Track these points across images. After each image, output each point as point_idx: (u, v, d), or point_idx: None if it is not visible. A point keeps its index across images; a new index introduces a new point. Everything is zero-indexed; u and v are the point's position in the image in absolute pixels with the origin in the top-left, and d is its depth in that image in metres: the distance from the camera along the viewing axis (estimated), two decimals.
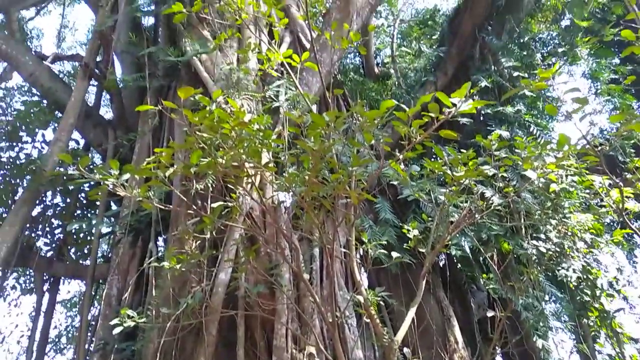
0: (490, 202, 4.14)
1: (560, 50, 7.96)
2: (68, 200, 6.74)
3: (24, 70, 7.23)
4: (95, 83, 7.98)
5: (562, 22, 9.14)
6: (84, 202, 6.92)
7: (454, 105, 3.12)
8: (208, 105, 3.66)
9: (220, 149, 3.43)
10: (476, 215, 4.06)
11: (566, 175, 4.14)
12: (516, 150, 3.83)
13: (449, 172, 3.64)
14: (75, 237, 6.66)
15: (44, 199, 6.60)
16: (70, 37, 17.08)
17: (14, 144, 6.46)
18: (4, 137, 6.37)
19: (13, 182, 6.19)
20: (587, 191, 4.60)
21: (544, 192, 4.38)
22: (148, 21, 8.50)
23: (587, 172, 4.04)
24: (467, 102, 3.11)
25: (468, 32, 8.18)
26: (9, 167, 6.29)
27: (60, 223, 6.68)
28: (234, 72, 5.70)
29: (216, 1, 5.69)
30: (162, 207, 3.36)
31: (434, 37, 10.76)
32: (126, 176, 3.24)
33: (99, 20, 6.42)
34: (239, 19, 4.78)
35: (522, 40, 7.81)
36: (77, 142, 7.33)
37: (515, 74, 7.10)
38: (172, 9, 4.20)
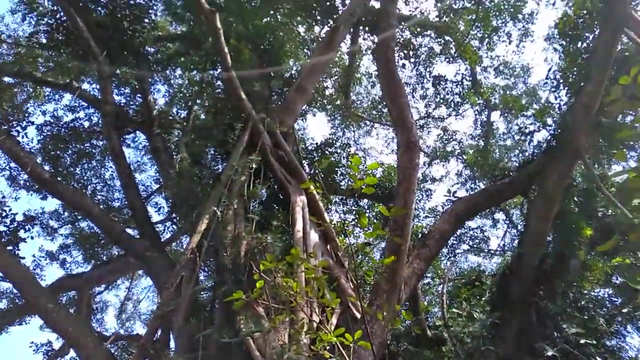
0: None
1: (623, 310, 7.60)
2: None
3: (83, 350, 7.47)
4: None
5: (615, 280, 9.02)
6: None
7: None
8: None
9: None
10: None
11: None
12: None
13: None
14: None
15: None
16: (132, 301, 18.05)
17: None
18: None
19: None
20: None
21: None
22: (205, 295, 9.06)
23: None
24: None
25: (518, 295, 8.12)
26: None
27: None
28: (285, 351, 5.64)
29: (271, 282, 6.10)
30: None
31: (483, 299, 10.68)
32: None
33: (163, 301, 6.89)
34: (294, 301, 5.02)
35: (579, 304, 7.60)
36: None
37: (582, 341, 6.65)
38: (233, 296, 4.52)
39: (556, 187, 7.47)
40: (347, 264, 8.48)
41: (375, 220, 12.42)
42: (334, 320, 6.96)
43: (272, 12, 12.92)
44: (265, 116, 10.11)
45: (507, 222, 13.16)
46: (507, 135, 14.32)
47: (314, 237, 8.31)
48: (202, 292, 8.15)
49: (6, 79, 12.96)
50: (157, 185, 15.15)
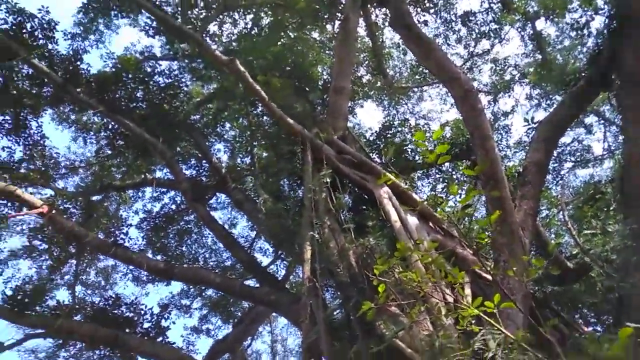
0: None
1: None
2: None
3: None
4: None
5: None
6: None
7: None
8: None
9: None
10: None
11: None
12: None
13: None
14: None
15: None
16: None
17: None
18: None
19: None
20: None
21: None
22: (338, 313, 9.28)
23: None
24: None
25: None
26: None
27: None
28: (434, 339, 5.63)
29: (392, 281, 6.12)
30: None
31: (611, 209, 9.83)
32: None
33: (304, 334, 7.19)
34: (421, 291, 5.01)
35: None
36: None
37: None
38: (363, 308, 4.63)
39: (638, 66, 6.76)
40: (456, 233, 8.29)
41: (465, 179, 12.04)
42: (467, 292, 6.82)
43: (282, 33, 13.14)
44: (318, 129, 10.26)
45: (602, 122, 12.08)
46: (562, 37, 13.21)
47: (412, 221, 8.23)
48: (334, 313, 8.37)
49: (93, 198, 14.37)
50: (254, 232, 15.88)
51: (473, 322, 5.37)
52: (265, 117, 12.66)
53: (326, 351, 7.45)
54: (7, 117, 12.09)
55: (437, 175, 12.47)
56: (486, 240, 7.34)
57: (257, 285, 11.25)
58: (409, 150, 11.32)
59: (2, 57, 11.54)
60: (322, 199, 9.05)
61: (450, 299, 5.90)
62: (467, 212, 9.18)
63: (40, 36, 11.65)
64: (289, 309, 9.69)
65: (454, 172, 12.28)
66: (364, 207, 9.65)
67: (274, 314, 15.24)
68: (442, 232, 8.47)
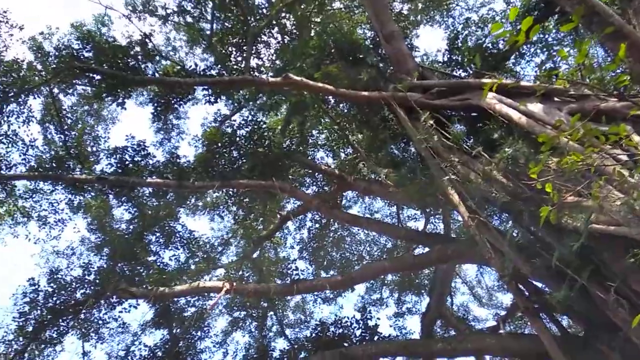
0: None
1: None
2: None
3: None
4: None
5: None
6: None
7: None
8: None
9: None
10: None
11: None
12: None
13: None
14: None
15: None
16: None
17: None
18: None
19: None
20: None
21: None
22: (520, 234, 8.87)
23: None
24: None
25: None
26: None
27: None
28: (632, 202, 5.12)
29: (552, 175, 5.70)
30: None
31: None
32: None
33: (498, 268, 7.04)
34: (591, 167, 4.63)
35: None
36: None
37: None
38: (542, 213, 4.38)
39: None
40: (591, 92, 7.43)
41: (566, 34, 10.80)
42: (638, 139, 6.08)
43: (309, 24, 13.13)
44: (394, 84, 10.04)
45: None
46: None
47: (537, 108, 7.58)
48: (514, 234, 8.03)
49: (254, 255, 15.71)
50: (395, 206, 15.94)
51: None
52: (342, 104, 12.70)
53: (528, 272, 7.19)
54: (158, 234, 13.84)
55: (533, 49, 11.34)
56: (626, 78, 6.49)
57: (427, 249, 11.27)
58: (491, 44, 10.48)
59: (125, 193, 13.28)
60: (436, 141, 8.79)
61: (624, 157, 5.34)
62: (590, 62, 8.22)
63: (139, 159, 13.15)
64: (469, 253, 9.55)
65: (549, 35, 11.05)
66: (481, 125, 9.14)
67: (457, 265, 15.13)
68: (574, 99, 7.67)
